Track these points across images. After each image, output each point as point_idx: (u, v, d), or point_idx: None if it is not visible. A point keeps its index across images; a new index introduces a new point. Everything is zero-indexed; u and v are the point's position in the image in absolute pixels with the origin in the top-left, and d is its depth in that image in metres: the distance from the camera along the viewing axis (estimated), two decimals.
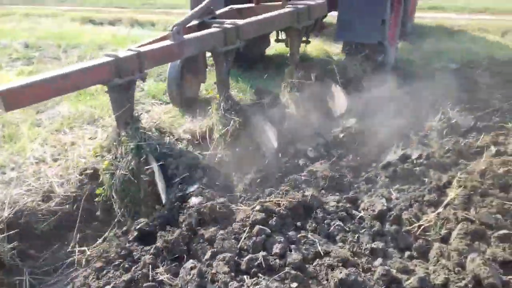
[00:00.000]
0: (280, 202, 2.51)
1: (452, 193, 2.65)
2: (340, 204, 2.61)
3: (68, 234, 2.74)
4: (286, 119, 3.88)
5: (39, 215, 2.75)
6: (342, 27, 5.20)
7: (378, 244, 2.29)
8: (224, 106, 3.53)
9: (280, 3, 4.50)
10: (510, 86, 4.96)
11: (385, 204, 2.62)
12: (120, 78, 2.73)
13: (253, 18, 3.82)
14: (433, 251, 2.24)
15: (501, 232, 2.31)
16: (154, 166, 2.78)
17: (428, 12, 11.36)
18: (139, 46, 2.98)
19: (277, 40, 5.61)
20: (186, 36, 3.21)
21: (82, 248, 2.57)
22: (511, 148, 3.39)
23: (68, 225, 2.79)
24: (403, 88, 4.72)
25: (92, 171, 3.07)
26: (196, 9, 3.66)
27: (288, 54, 4.42)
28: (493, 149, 3.33)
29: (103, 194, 2.84)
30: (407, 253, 2.31)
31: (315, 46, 6.37)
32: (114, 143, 2.91)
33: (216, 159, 3.37)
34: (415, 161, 3.12)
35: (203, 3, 3.77)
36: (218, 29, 3.42)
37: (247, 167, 3.27)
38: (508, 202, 2.63)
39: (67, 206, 2.86)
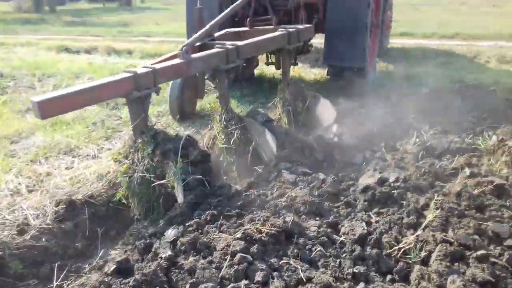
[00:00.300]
0: (261, 229, 2.50)
1: (430, 215, 2.69)
2: (321, 229, 2.62)
3: (45, 268, 2.66)
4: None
5: (14, 249, 2.66)
6: (329, 53, 5.88)
7: (360, 269, 2.29)
8: (225, 117, 3.91)
9: (271, 27, 5.15)
10: (481, 109, 5.11)
11: (365, 228, 2.64)
12: (138, 92, 3.13)
13: (251, 40, 4.29)
14: (414, 274, 2.25)
15: (479, 252, 2.34)
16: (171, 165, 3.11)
17: (398, 38, 11.72)
18: (152, 64, 3.44)
19: (267, 63, 6.36)
20: (193, 55, 3.66)
21: (60, 282, 2.49)
22: (485, 169, 3.48)
23: (45, 259, 2.71)
24: (378, 112, 4.82)
25: (68, 202, 3.02)
26: (200, 32, 4.16)
27: (280, 73, 4.90)
28: (467, 170, 3.40)
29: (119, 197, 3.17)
30: (388, 277, 2.32)
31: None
32: (131, 150, 3.27)
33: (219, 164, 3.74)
34: (392, 184, 3.16)
35: (206, 27, 4.28)
36: (221, 49, 3.86)
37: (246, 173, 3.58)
38: (484, 223, 2.69)
39: (43, 239, 2.78)
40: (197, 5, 4.73)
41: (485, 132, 4.24)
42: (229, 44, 3.99)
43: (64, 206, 3.02)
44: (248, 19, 5.57)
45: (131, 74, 3.10)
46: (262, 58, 6.72)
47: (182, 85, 4.84)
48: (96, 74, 7.42)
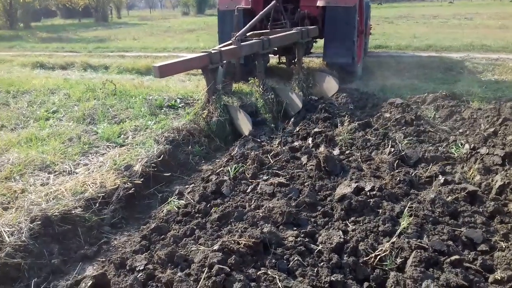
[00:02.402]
0: (239, 240, 2.50)
1: (404, 222, 2.73)
2: (299, 239, 2.63)
3: (21, 286, 2.59)
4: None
5: None
6: (327, 53, 7.73)
7: (337, 277, 2.31)
8: (262, 87, 5.89)
9: (287, 28, 7.08)
10: (453, 119, 5.24)
11: (342, 236, 2.66)
12: (212, 64, 4.98)
13: (277, 34, 6.35)
14: (390, 280, 2.28)
15: (453, 258, 2.39)
16: (240, 110, 5.10)
17: (374, 50, 11.95)
18: (218, 48, 5.31)
19: (279, 63, 8.58)
20: (242, 43, 5.70)
21: None
22: (458, 177, 3.56)
23: (21, 276, 2.65)
24: (354, 122, 4.90)
25: (43, 219, 2.96)
26: (242, 30, 6.21)
27: (294, 61, 7.44)
28: (441, 178, 3.48)
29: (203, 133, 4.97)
30: (365, 284, 2.33)
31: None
32: (207, 104, 5.14)
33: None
34: (368, 193, 3.20)
35: (246, 27, 6.37)
36: (258, 40, 5.87)
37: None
38: (458, 229, 2.75)
39: (19, 256, 2.72)
40: (226, 18, 7.77)
41: (458, 140, 4.34)
42: (263, 37, 5.97)
43: (40, 222, 2.97)
44: (269, 24, 7.49)
45: (207, 53, 4.91)
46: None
47: (225, 72, 6.29)
48: (72, 89, 7.34)
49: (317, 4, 7.59)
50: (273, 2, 7.24)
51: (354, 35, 7.49)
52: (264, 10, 7.12)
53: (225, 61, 5.55)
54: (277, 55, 8.50)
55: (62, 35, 24.15)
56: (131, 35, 20.79)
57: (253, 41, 5.84)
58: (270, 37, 6.03)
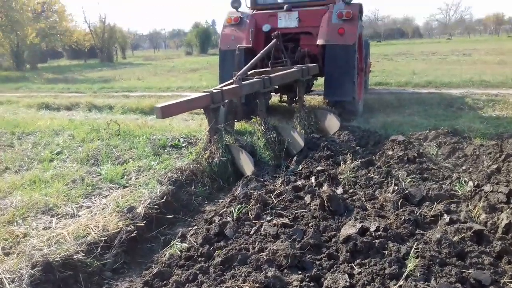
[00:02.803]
0: (242, 286, 2.46)
1: (411, 264, 2.69)
2: (304, 284, 2.59)
3: None
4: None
5: None
6: (327, 91, 7.74)
7: None
8: (264, 126, 5.84)
9: (288, 66, 7.22)
10: (456, 155, 5.24)
11: (348, 280, 2.62)
12: (213, 104, 5.00)
13: (278, 73, 6.39)
14: None
15: None
16: (242, 151, 5.06)
17: (374, 87, 12.09)
18: (220, 88, 5.36)
19: (281, 101, 8.64)
20: (243, 83, 5.73)
21: None
22: (463, 216, 3.53)
23: None
24: (356, 160, 4.90)
25: (45, 264, 2.93)
26: (243, 69, 6.37)
27: (295, 99, 7.44)
28: (446, 217, 3.44)
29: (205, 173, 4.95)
30: None
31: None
32: (209, 144, 5.15)
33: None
34: (373, 234, 3.16)
35: (247, 66, 6.55)
36: (260, 79, 5.88)
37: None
38: (465, 270, 2.70)
39: None
40: (227, 57, 7.95)
41: (461, 178, 4.32)
42: (264, 76, 5.99)
43: (41, 268, 2.93)
44: (270, 62, 7.53)
45: (208, 93, 4.95)
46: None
47: (226, 111, 6.32)
48: (76, 130, 7.41)
49: (317, 43, 7.69)
50: (273, 41, 7.36)
51: (354, 73, 7.57)
52: (264, 49, 7.25)
53: (226, 100, 5.57)
54: (279, 93, 8.58)
55: (68, 76, 24.61)
56: (135, 75, 21.17)
57: (254, 80, 5.89)
58: (271, 75, 6.09)
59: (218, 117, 5.34)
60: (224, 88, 5.38)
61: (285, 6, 8.03)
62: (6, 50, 36.12)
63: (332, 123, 6.64)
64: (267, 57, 7.58)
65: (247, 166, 5.00)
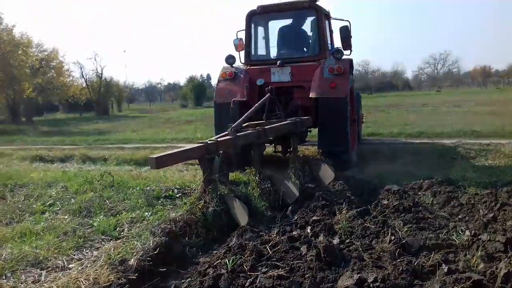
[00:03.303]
0: None
1: None
2: None
3: None
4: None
5: None
6: (321, 142, 7.96)
7: None
8: (259, 176, 5.84)
9: (282, 119, 7.34)
10: (451, 204, 5.23)
11: None
12: (208, 155, 5.02)
13: (273, 125, 6.56)
14: None
15: None
16: (236, 200, 4.99)
17: (367, 138, 12.23)
18: (215, 139, 5.36)
19: (275, 152, 8.78)
20: (238, 134, 5.79)
21: None
22: (462, 265, 3.47)
23: None
24: (352, 210, 4.87)
25: None
26: (238, 121, 6.40)
27: (290, 150, 7.37)
28: (445, 267, 3.39)
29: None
30: None
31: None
32: (203, 194, 5.04)
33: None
34: (371, 285, 3.09)
35: (242, 118, 6.58)
36: (254, 130, 6.02)
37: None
38: None
39: None
40: (222, 110, 8.01)
41: (458, 227, 4.29)
42: (258, 128, 6.12)
43: None
44: (264, 115, 7.56)
45: (203, 144, 4.97)
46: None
47: (221, 162, 6.17)
48: (70, 182, 7.37)
49: (310, 96, 7.92)
50: (267, 95, 7.57)
51: (347, 124, 7.77)
52: (259, 102, 7.42)
53: (221, 151, 5.59)
54: (273, 144, 8.71)
55: (63, 129, 24.75)
56: (130, 127, 21.32)
57: (249, 131, 5.99)
58: (266, 127, 6.21)
59: (212, 167, 5.32)
60: (219, 139, 5.43)
61: (278, 62, 8.36)
62: (2, 103, 36.51)
63: (327, 173, 6.70)
64: (262, 110, 7.74)
65: (242, 216, 4.94)
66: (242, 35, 9.03)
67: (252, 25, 9.02)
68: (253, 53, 9.11)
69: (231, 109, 7.59)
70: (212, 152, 5.07)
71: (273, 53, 9.43)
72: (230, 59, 8.62)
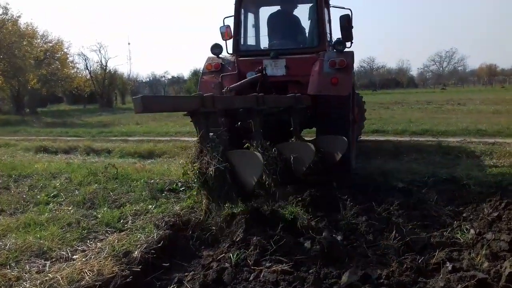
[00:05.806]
0: None
1: None
2: None
3: None
4: None
5: None
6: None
7: None
8: (261, 147, 5.25)
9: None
10: (456, 203, 5.22)
11: None
12: (204, 108, 4.32)
13: (273, 95, 6.27)
14: None
15: None
16: (246, 151, 4.70)
17: (371, 135, 12.19)
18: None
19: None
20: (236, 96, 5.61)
21: None
22: (466, 264, 3.47)
23: None
24: (356, 206, 4.87)
25: None
26: (234, 85, 6.21)
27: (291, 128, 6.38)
28: (449, 265, 3.38)
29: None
30: None
31: None
32: (200, 154, 4.32)
33: None
34: (375, 281, 3.09)
35: (235, 84, 6.32)
36: (252, 95, 5.42)
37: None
38: None
39: None
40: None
41: (462, 225, 4.29)
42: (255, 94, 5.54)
43: None
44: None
45: (199, 95, 4.42)
46: None
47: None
48: (74, 173, 7.38)
49: (308, 92, 7.10)
50: (258, 74, 6.98)
51: (348, 127, 7.08)
52: (251, 77, 6.92)
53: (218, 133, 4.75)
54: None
55: (67, 120, 24.80)
56: (134, 120, 21.30)
57: (247, 96, 5.45)
58: (266, 95, 5.74)
59: (209, 124, 4.53)
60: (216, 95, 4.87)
61: (271, 53, 7.42)
62: (6, 94, 36.58)
63: (338, 143, 6.24)
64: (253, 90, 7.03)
65: (253, 171, 4.28)
66: (230, 22, 7.84)
67: (242, 11, 7.89)
68: (242, 42, 7.99)
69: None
70: (208, 106, 4.37)
71: (266, 43, 8.26)
72: (216, 49, 7.63)
